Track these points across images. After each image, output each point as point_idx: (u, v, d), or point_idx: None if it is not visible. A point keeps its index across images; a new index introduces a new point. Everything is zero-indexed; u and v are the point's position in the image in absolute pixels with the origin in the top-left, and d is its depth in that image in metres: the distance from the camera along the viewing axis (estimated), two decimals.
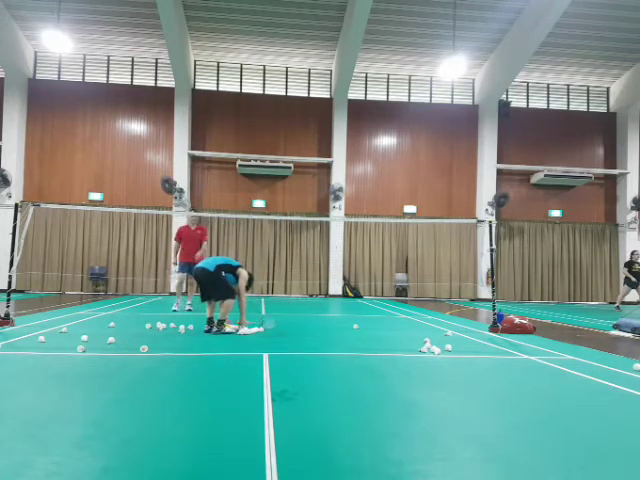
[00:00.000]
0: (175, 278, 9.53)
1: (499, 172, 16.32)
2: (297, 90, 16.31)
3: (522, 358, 4.78)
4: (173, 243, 9.38)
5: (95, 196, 15.12)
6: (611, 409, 3.03)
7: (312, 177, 16.05)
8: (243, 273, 6.30)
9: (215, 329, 6.05)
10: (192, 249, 8.93)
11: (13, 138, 14.54)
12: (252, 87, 16.18)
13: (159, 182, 14.85)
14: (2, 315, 6.02)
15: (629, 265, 12.57)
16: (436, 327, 7.41)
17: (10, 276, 6.21)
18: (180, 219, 14.92)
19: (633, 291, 12.55)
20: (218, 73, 16.13)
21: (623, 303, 12.97)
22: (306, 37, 14.71)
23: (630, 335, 6.92)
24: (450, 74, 13.73)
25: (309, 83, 16.37)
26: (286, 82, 16.29)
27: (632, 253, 12.76)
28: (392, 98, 16.56)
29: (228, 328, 6.05)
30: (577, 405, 3.11)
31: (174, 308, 9.02)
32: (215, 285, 6.07)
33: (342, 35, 14.19)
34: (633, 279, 12.39)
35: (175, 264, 9.24)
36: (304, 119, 16.04)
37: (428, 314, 9.87)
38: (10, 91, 14.49)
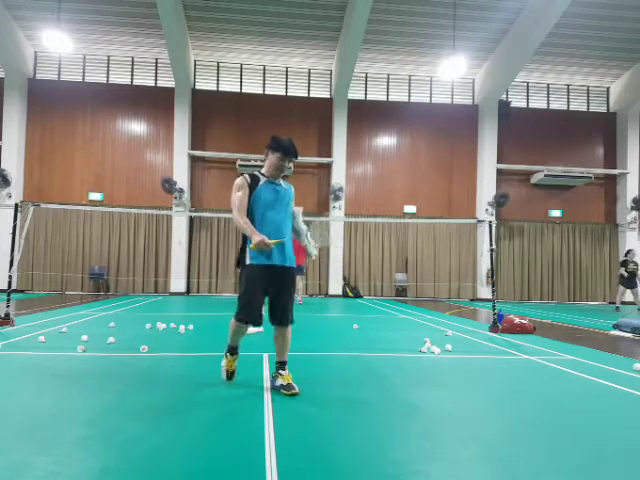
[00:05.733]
0: None
1: (499, 172, 16.30)
2: (297, 90, 16.30)
3: (522, 358, 4.78)
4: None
5: (95, 196, 15.11)
6: (611, 409, 3.03)
7: (312, 177, 16.03)
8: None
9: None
10: None
11: (13, 138, 14.52)
12: (252, 87, 16.16)
13: (159, 182, 14.83)
14: (2, 315, 6.02)
15: (624, 264, 12.43)
16: (436, 327, 7.41)
17: (10, 276, 6.22)
18: (180, 219, 14.94)
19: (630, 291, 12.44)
20: (218, 73, 16.12)
21: (623, 303, 12.93)
22: (306, 37, 14.70)
23: (630, 335, 6.92)
24: (450, 74, 13.71)
25: (309, 83, 16.37)
26: (286, 82, 16.28)
27: (627, 253, 12.63)
28: (392, 98, 16.55)
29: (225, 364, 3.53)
30: (577, 405, 3.11)
31: None
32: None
33: (342, 35, 14.19)
34: (625, 274, 12.16)
35: None
36: (304, 119, 16.02)
37: (428, 314, 9.87)
38: (10, 91, 14.47)
